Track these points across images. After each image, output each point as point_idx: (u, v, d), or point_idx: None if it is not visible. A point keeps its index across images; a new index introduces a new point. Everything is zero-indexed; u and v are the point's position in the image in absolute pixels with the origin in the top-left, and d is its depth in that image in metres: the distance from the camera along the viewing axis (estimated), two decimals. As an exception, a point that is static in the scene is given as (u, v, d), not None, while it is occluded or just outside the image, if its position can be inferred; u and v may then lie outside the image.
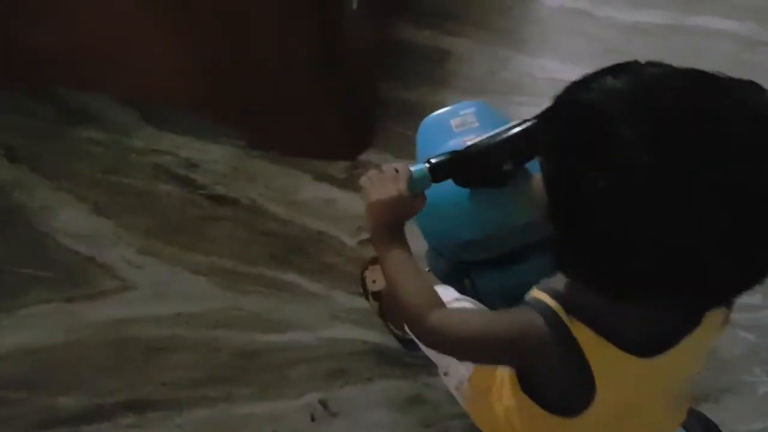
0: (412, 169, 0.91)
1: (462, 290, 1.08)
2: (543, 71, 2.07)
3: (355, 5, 1.71)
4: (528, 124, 0.95)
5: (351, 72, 1.85)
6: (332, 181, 1.86)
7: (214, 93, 1.84)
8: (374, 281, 1.51)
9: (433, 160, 0.93)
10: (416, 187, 0.91)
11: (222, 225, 1.79)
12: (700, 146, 0.56)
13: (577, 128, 0.62)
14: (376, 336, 1.58)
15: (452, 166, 0.93)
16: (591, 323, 0.70)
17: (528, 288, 1.03)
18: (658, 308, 0.68)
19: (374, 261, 1.55)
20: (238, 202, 1.83)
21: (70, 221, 1.81)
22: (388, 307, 1.49)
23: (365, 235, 1.74)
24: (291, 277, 1.68)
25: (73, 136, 1.98)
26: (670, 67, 0.62)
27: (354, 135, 1.94)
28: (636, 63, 0.63)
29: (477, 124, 1.11)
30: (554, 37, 2.18)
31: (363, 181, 0.90)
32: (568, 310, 0.71)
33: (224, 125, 1.95)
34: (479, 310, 0.99)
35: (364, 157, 1.91)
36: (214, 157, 1.92)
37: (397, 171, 0.90)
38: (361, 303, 1.62)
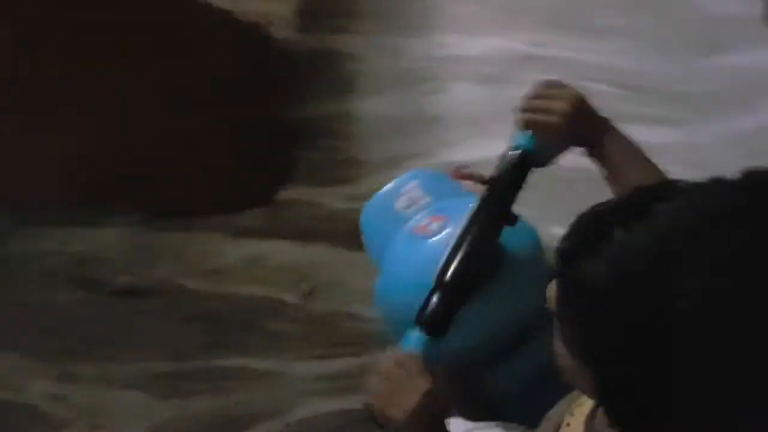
0: (410, 348, 0.77)
1: (472, 394, 0.90)
2: (443, 49, 1.89)
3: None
4: (486, 211, 0.83)
5: (239, 102, 1.64)
6: (252, 233, 1.65)
7: (88, 170, 1.60)
8: None
9: (424, 321, 0.78)
10: (428, 361, 0.75)
11: (142, 321, 1.55)
12: None
13: (599, 320, 0.47)
14: (353, 401, 1.39)
15: (445, 312, 0.79)
16: None
17: (539, 372, 0.86)
18: None
19: None
20: (153, 288, 1.59)
21: (-34, 367, 1.53)
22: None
23: (307, 287, 1.55)
24: (236, 360, 1.48)
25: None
26: (686, 195, 0.47)
27: (262, 174, 1.73)
28: (638, 196, 0.48)
29: (427, 198, 0.94)
30: (444, 10, 1.99)
31: (375, 405, 0.72)
32: None
33: (110, 203, 1.69)
34: None
35: (283, 195, 1.70)
36: (109, 244, 1.66)
37: (402, 363, 0.73)
38: (326, 368, 1.44)
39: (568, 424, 0.61)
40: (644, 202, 0.47)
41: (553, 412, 0.67)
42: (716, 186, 0.47)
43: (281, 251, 1.61)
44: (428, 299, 0.80)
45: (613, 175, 0.78)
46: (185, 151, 1.57)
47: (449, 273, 0.80)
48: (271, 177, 1.72)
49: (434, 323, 0.78)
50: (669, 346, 0.44)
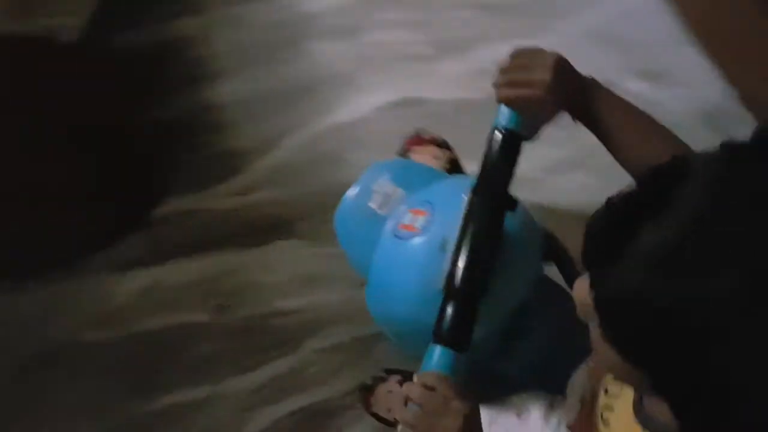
0: (437, 368, 0.70)
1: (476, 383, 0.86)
2: (289, 9, 1.76)
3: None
4: (484, 201, 0.76)
5: (83, 127, 1.45)
6: (139, 262, 1.49)
7: None
8: (389, 409, 1.19)
9: (445, 336, 0.71)
10: (458, 377, 0.69)
11: (55, 390, 1.38)
12: None
13: (643, 322, 0.44)
14: (306, 397, 1.33)
15: (465, 322, 0.72)
16: None
17: (540, 352, 0.83)
18: None
19: (368, 388, 1.23)
20: (53, 352, 1.40)
21: None
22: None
23: (219, 300, 1.44)
24: (170, 398, 1.35)
25: None
26: (702, 172, 0.43)
27: (131, 196, 1.55)
28: (652, 182, 0.44)
29: (401, 191, 0.88)
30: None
31: None
32: None
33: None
34: None
35: (161, 211, 1.54)
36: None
37: (433, 387, 0.66)
38: (265, 374, 1.35)
39: (607, 407, 0.58)
40: (661, 191, 0.43)
41: (573, 382, 0.65)
42: (730, 156, 0.43)
43: (178, 271, 1.46)
44: (443, 311, 0.72)
45: (606, 137, 0.72)
46: (40, 196, 1.37)
47: (460, 278, 0.73)
48: (142, 196, 1.55)
49: (457, 336, 0.71)
50: (709, 339, 0.41)
